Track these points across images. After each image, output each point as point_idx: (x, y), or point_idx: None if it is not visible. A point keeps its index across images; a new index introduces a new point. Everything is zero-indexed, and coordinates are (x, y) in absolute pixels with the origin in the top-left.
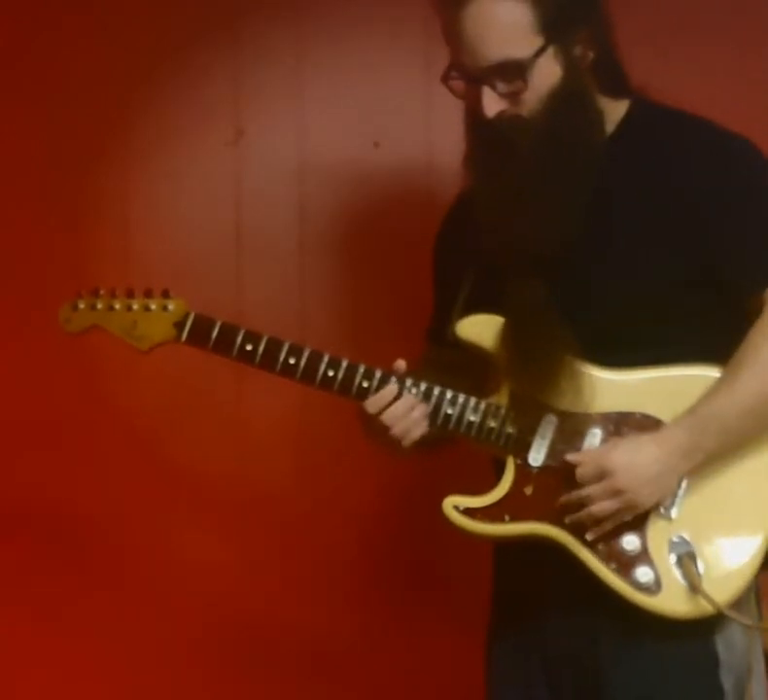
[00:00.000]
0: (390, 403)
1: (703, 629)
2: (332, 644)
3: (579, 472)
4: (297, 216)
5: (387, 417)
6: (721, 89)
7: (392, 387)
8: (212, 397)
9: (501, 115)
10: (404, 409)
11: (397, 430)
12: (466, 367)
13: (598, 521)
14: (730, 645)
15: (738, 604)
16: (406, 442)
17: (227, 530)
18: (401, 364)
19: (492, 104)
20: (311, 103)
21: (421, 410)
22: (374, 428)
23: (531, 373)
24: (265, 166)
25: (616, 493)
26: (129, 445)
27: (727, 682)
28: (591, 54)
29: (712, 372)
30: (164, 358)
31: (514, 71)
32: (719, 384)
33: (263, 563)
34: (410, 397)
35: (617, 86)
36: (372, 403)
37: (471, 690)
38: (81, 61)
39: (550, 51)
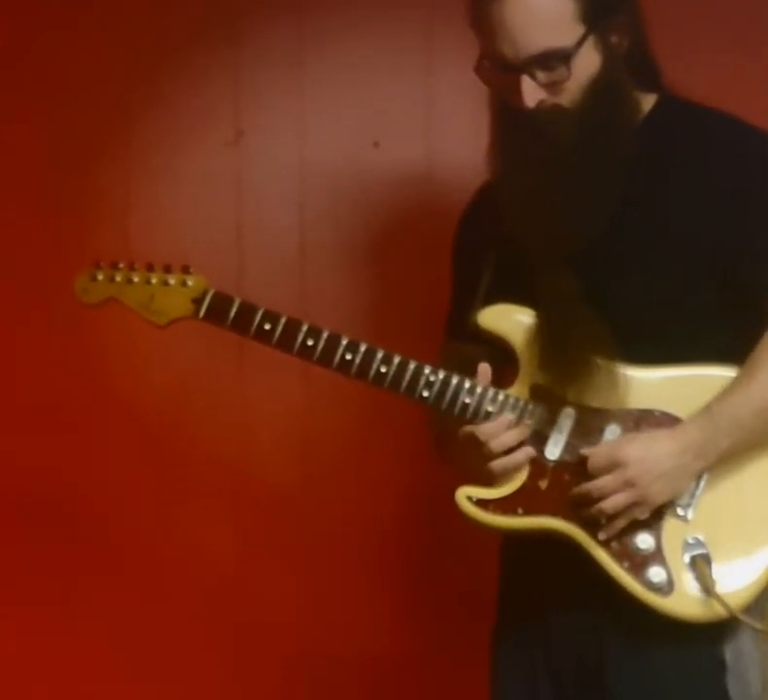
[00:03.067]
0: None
1: (711, 635)
2: (333, 639)
3: (592, 462)
4: (297, 216)
5: (497, 445)
6: (734, 90)
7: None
8: (216, 384)
9: (540, 104)
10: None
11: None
12: (482, 360)
13: (610, 517)
14: (739, 652)
15: (751, 609)
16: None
17: (230, 521)
18: (486, 368)
19: (532, 93)
20: (311, 103)
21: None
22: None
23: (564, 367)
24: (265, 166)
25: (627, 485)
26: (132, 434)
27: (734, 689)
28: (626, 43)
29: (733, 373)
30: (169, 345)
31: (557, 60)
32: (735, 383)
33: (264, 556)
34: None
35: (648, 78)
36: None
37: (477, 688)
38: (81, 61)
39: (591, 38)
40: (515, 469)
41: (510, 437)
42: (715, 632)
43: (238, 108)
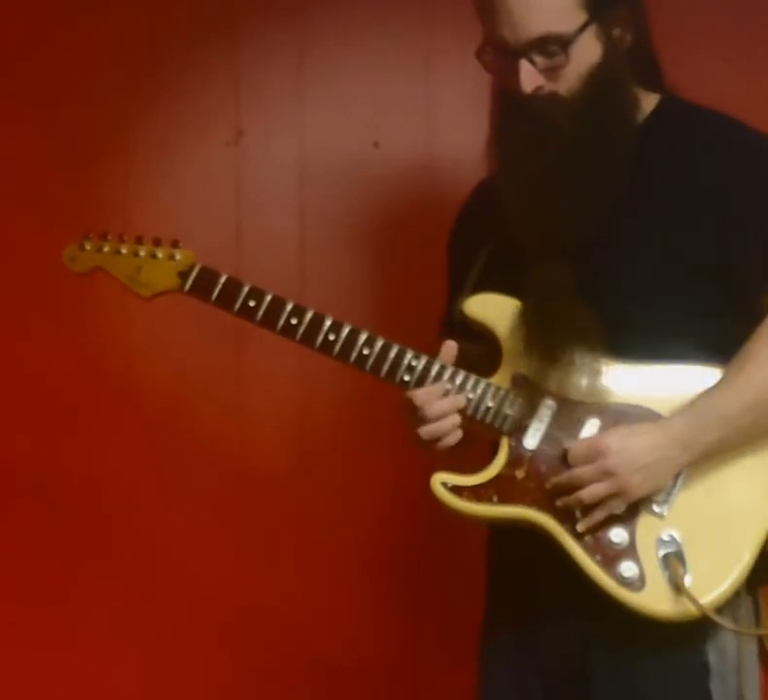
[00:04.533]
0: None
1: (694, 636)
2: (329, 634)
3: (572, 452)
4: (297, 216)
5: (432, 411)
6: (737, 92)
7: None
8: (213, 373)
9: (537, 91)
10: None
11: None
12: (477, 358)
13: (587, 507)
14: (722, 653)
15: (732, 610)
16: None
17: (226, 509)
18: (451, 345)
19: (530, 79)
20: (311, 103)
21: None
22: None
23: (547, 352)
24: (265, 166)
25: (607, 475)
26: (129, 423)
27: (717, 690)
28: (629, 37)
29: (719, 372)
30: (166, 333)
31: (556, 45)
32: (724, 377)
33: (260, 543)
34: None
35: (651, 76)
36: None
37: (465, 689)
38: (82, 62)
39: (592, 28)
40: (443, 437)
41: (445, 404)
42: (698, 634)
43: (238, 108)
